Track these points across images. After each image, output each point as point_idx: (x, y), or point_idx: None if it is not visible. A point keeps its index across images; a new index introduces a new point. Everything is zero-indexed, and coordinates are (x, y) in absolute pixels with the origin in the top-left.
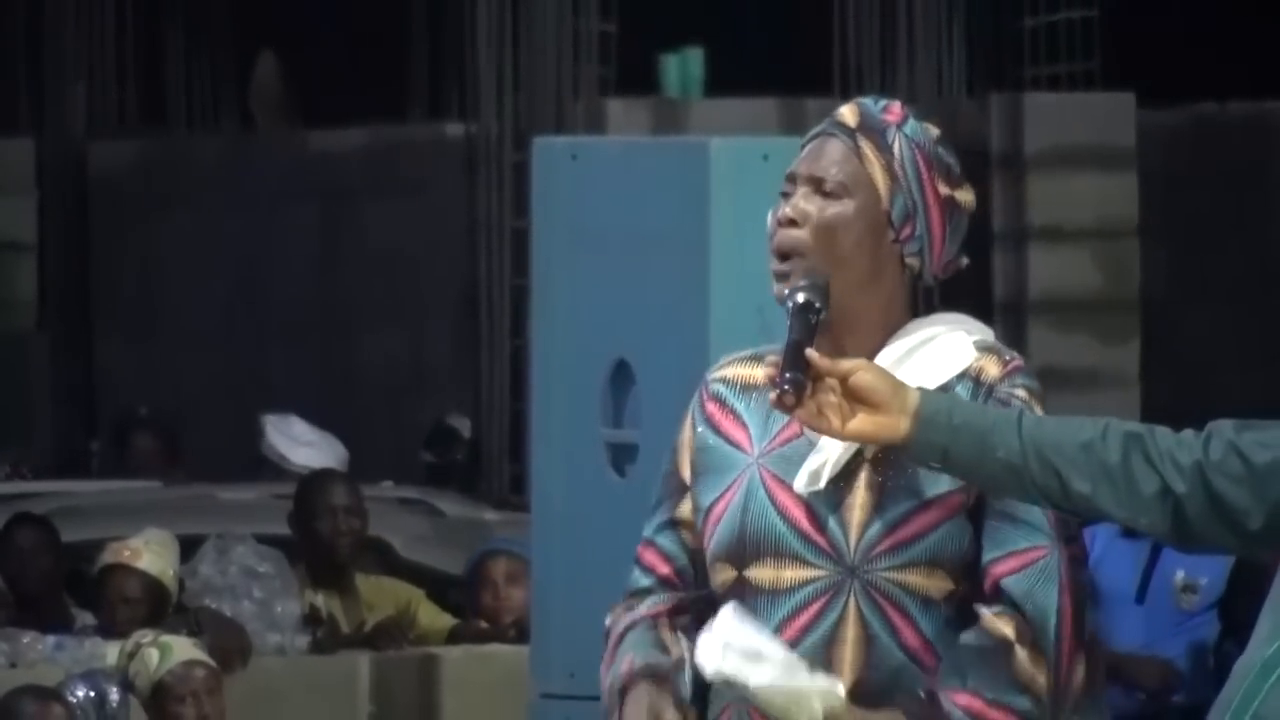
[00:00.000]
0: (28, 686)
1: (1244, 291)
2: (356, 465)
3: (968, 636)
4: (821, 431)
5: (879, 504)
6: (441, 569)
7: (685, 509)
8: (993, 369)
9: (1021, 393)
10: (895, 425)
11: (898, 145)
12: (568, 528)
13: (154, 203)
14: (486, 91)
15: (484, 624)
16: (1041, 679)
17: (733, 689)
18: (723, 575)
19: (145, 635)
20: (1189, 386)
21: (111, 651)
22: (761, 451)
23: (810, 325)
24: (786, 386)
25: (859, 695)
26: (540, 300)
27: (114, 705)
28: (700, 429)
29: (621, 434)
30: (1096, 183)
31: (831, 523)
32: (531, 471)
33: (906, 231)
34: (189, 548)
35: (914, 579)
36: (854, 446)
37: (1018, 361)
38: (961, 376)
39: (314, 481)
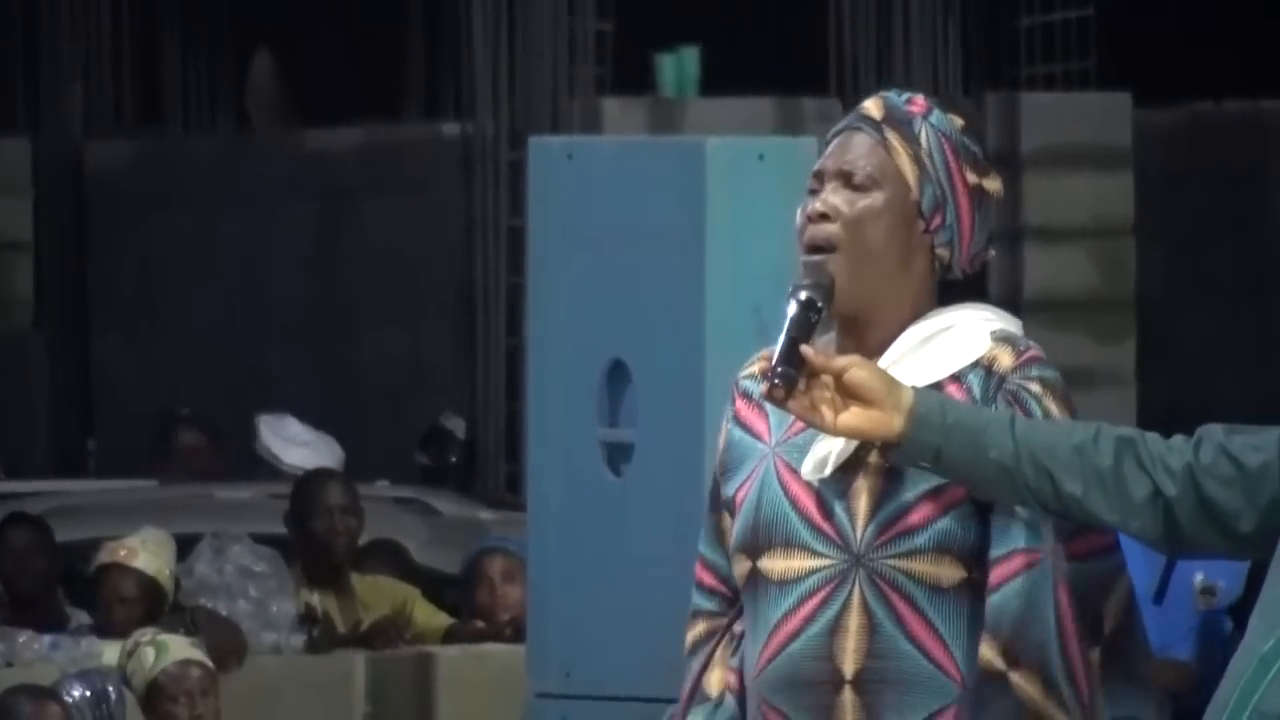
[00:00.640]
0: (24, 686)
1: (1240, 290)
2: (353, 464)
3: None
4: (814, 426)
5: (885, 491)
6: (437, 568)
7: (726, 522)
8: (1006, 359)
9: (1035, 386)
10: (889, 422)
11: (924, 135)
12: (564, 527)
13: (151, 202)
14: (483, 91)
15: (480, 623)
16: (1045, 707)
17: None
18: (740, 567)
19: (144, 634)
20: (1185, 385)
21: (108, 651)
22: (778, 441)
23: (810, 323)
24: (776, 380)
25: (862, 684)
26: (536, 299)
27: (110, 704)
28: (729, 426)
29: (617, 433)
30: (1092, 182)
31: (838, 510)
32: (528, 470)
33: (936, 221)
34: (185, 547)
35: (920, 567)
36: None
37: (1033, 352)
38: (974, 366)
39: (311, 481)
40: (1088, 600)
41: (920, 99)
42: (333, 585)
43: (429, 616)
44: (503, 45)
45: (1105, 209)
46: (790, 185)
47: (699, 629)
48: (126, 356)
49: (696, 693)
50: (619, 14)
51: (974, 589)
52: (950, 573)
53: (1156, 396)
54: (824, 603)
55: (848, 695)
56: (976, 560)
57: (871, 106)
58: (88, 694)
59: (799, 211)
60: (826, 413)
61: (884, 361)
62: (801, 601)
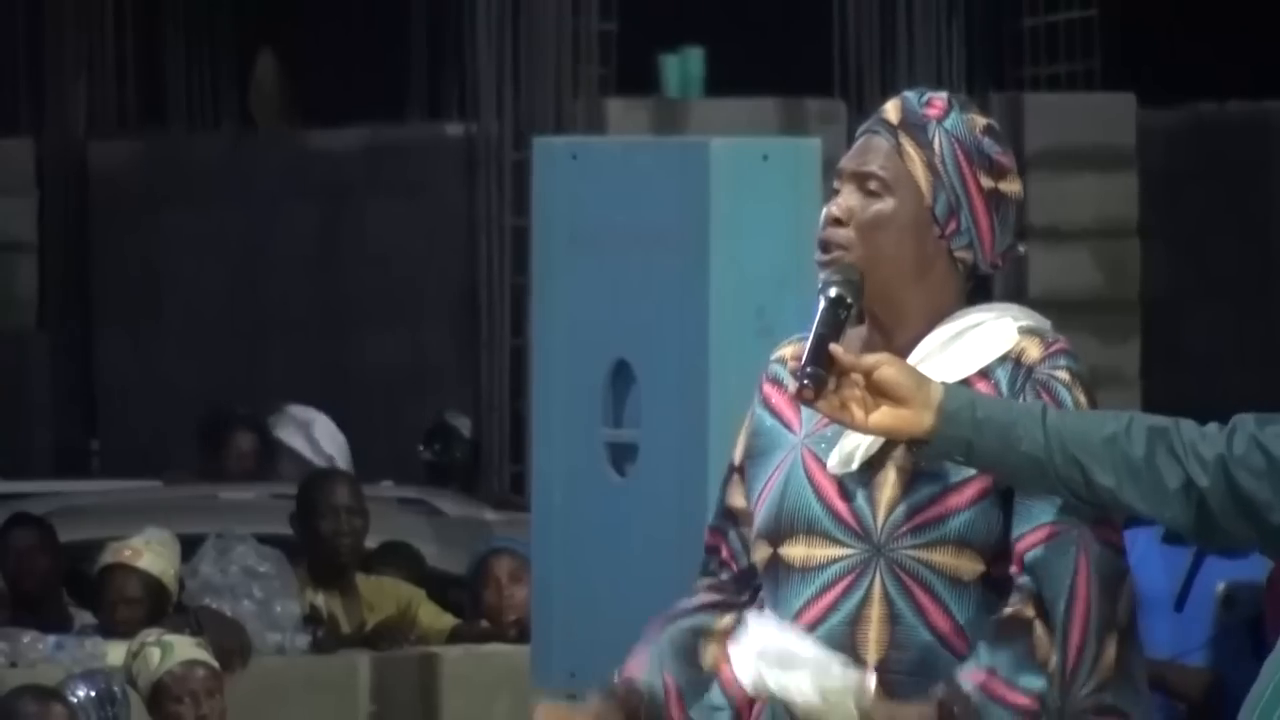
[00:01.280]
0: (28, 686)
1: (1244, 291)
2: (356, 465)
3: (995, 616)
4: (845, 424)
5: (909, 484)
6: (442, 569)
7: (738, 496)
8: (1034, 351)
9: (1063, 374)
10: (918, 420)
11: (937, 141)
12: (568, 527)
13: (154, 202)
14: (486, 91)
15: (486, 622)
16: (1051, 656)
17: (771, 695)
18: (761, 553)
19: (150, 634)
20: (1190, 386)
21: (112, 651)
22: (807, 432)
23: (839, 320)
24: (806, 380)
25: (884, 675)
26: (540, 300)
27: (115, 705)
28: (759, 412)
29: (622, 433)
30: (1096, 182)
31: (861, 501)
32: (532, 471)
33: (952, 227)
34: (189, 547)
35: (941, 558)
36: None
37: (1061, 344)
38: (1003, 360)
39: (316, 481)
40: (1110, 588)
41: (940, 100)
42: (337, 586)
43: (433, 617)
44: (506, 45)
45: (1109, 209)
46: (794, 186)
47: (701, 583)
48: (130, 356)
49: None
50: (623, 14)
51: (993, 583)
52: (970, 566)
53: (1161, 397)
54: (845, 592)
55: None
56: (997, 554)
57: (890, 109)
58: (92, 694)
59: (822, 210)
60: (857, 411)
61: (911, 360)
62: (824, 590)
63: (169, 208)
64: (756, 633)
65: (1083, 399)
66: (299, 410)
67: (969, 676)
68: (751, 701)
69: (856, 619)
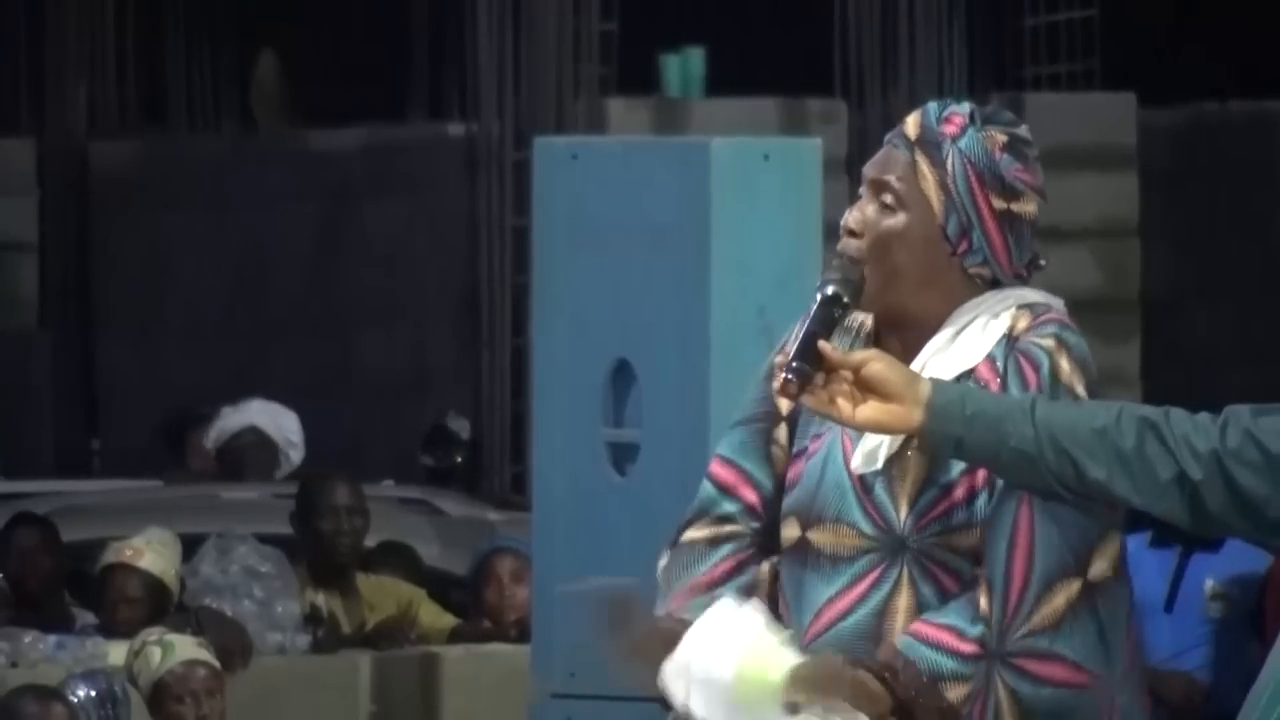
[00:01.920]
0: (29, 686)
1: (1245, 290)
2: (357, 465)
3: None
4: (833, 419)
5: (928, 476)
6: (443, 569)
7: (781, 435)
8: (1022, 323)
9: (1048, 341)
10: (908, 416)
11: (951, 161)
12: (569, 527)
13: (155, 202)
14: (487, 91)
15: (487, 622)
16: (983, 604)
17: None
18: (789, 532)
19: (151, 634)
20: (1190, 385)
21: (113, 651)
22: None
23: (832, 318)
24: (790, 376)
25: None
26: (541, 300)
27: (116, 704)
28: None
29: (622, 433)
30: (1097, 182)
31: (884, 497)
32: (533, 470)
33: (963, 246)
34: (190, 547)
35: (965, 542)
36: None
37: (1052, 314)
38: (1000, 341)
39: (316, 481)
40: (1070, 537)
41: (960, 116)
42: (338, 585)
43: (434, 617)
44: (507, 45)
45: (1110, 209)
46: (795, 185)
47: (726, 529)
48: (131, 356)
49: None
50: (624, 14)
51: None
52: None
53: (1162, 396)
54: (874, 585)
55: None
56: None
57: (911, 123)
58: (93, 694)
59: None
60: (845, 407)
61: (922, 357)
62: (854, 582)
63: (170, 208)
64: (689, 649)
65: (1066, 366)
66: (262, 403)
67: (900, 632)
68: None
69: (884, 611)
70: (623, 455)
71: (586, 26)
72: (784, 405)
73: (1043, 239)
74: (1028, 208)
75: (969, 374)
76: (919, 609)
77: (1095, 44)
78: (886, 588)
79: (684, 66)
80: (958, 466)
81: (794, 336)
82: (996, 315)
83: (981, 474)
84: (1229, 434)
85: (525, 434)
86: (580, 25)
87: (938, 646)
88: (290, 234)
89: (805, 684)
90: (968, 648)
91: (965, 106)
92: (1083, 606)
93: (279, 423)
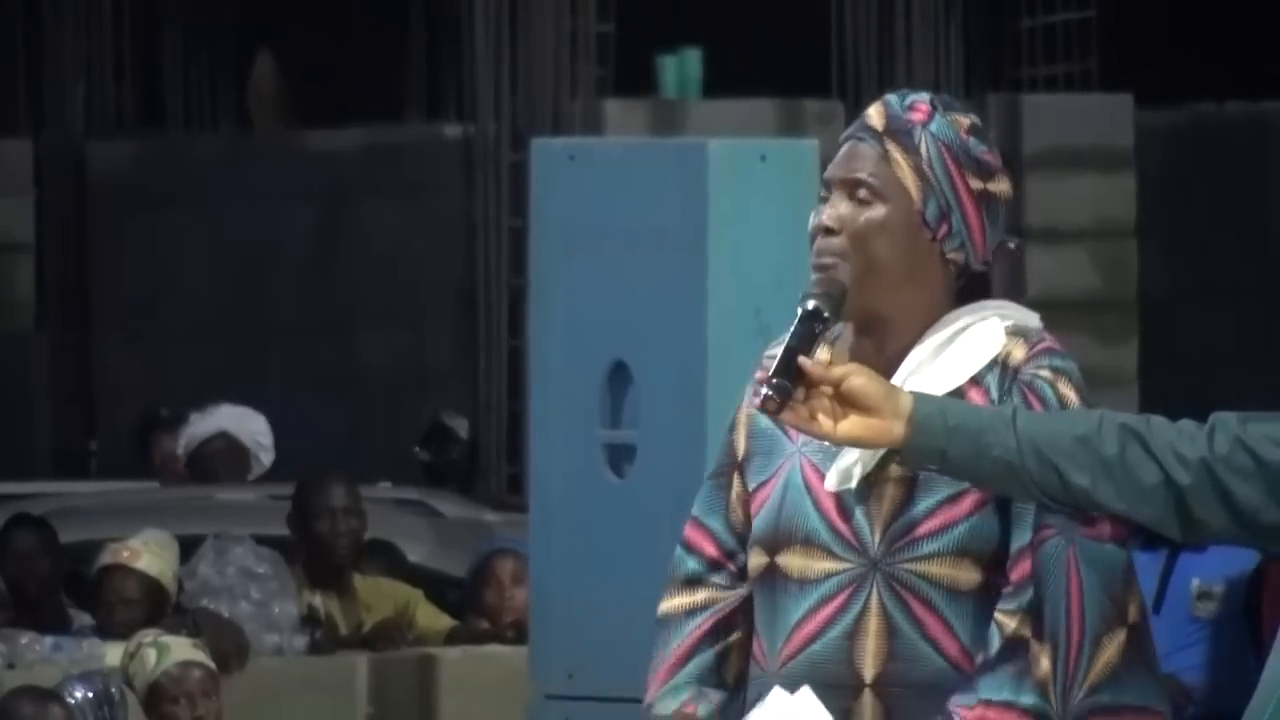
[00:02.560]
0: (26, 687)
1: (1242, 291)
2: (354, 466)
3: (991, 641)
4: (813, 435)
5: (907, 498)
6: (439, 570)
7: (736, 488)
8: (1019, 352)
9: (1046, 373)
10: (889, 429)
11: (925, 145)
12: (566, 528)
13: (152, 203)
14: (484, 92)
15: (486, 623)
16: (1049, 673)
17: None
18: (756, 560)
19: (146, 635)
20: (1187, 386)
21: (110, 652)
22: (805, 440)
23: (813, 333)
24: (770, 393)
25: (881, 688)
26: (538, 301)
27: (113, 706)
28: (753, 411)
29: (619, 434)
30: (1094, 183)
31: (859, 515)
32: (530, 472)
33: (943, 230)
34: (187, 548)
35: (939, 570)
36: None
37: (1047, 343)
38: (992, 365)
39: (313, 482)
40: (1108, 584)
41: (923, 103)
42: (335, 587)
43: (431, 618)
44: (504, 46)
45: (1107, 210)
46: (792, 186)
47: (700, 597)
48: (128, 357)
49: (708, 674)
50: (621, 15)
51: (992, 592)
52: (969, 576)
53: (1159, 397)
54: (843, 606)
55: (867, 698)
56: (995, 563)
57: (874, 114)
58: (90, 695)
59: (811, 217)
60: (825, 422)
61: (903, 371)
62: (822, 603)
63: (167, 208)
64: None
65: (1070, 395)
66: (230, 407)
67: (961, 713)
68: None
69: (854, 633)
70: (620, 456)
71: (583, 27)
72: (740, 449)
73: (1040, 240)
74: (1002, 186)
75: (956, 394)
76: (889, 633)
77: (1092, 45)
78: (856, 609)
79: (681, 67)
80: (936, 493)
81: (764, 366)
82: (984, 336)
83: (961, 504)
84: (1217, 441)
85: (522, 435)
86: (577, 26)
87: None
88: (287, 235)
89: None
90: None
91: (925, 95)
92: (1131, 652)
93: (248, 427)
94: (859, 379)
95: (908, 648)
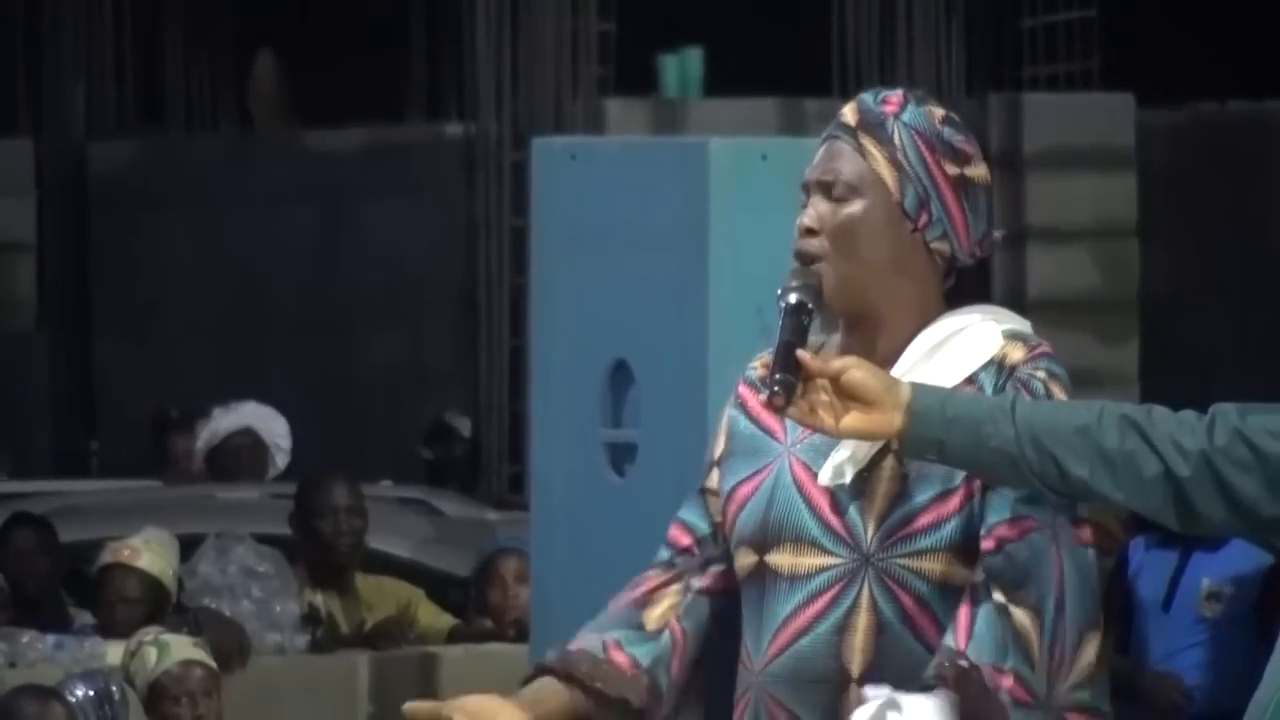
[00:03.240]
0: (27, 686)
1: (1243, 291)
2: (356, 465)
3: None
4: (815, 429)
5: (901, 493)
6: (441, 569)
7: (712, 480)
8: (1017, 354)
9: (1042, 374)
10: (889, 421)
11: (898, 135)
12: (567, 528)
13: (153, 203)
14: (485, 91)
15: (489, 622)
16: (1035, 645)
17: None
18: (745, 560)
19: (147, 634)
20: (1188, 386)
21: (111, 651)
22: (794, 440)
23: (802, 326)
24: (776, 388)
25: (869, 683)
26: (539, 300)
27: (114, 705)
28: (734, 413)
29: (621, 434)
30: (1095, 183)
31: (852, 511)
32: (531, 471)
33: (924, 219)
34: (188, 547)
35: (931, 566)
36: (879, 442)
37: (1044, 348)
38: (987, 366)
39: (315, 482)
40: (1090, 584)
41: (895, 97)
42: (336, 586)
43: (433, 617)
44: (505, 45)
45: (1108, 210)
46: (793, 186)
47: (654, 573)
48: (129, 357)
49: (623, 616)
50: (622, 14)
51: None
52: (961, 572)
53: (1160, 397)
54: (833, 601)
55: (855, 694)
56: None
57: (848, 112)
58: (91, 694)
59: (797, 224)
60: (826, 416)
61: (896, 370)
62: (811, 599)
63: (168, 208)
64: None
65: (1061, 397)
66: (254, 405)
67: (998, 679)
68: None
69: (843, 628)
70: (621, 456)
71: (585, 27)
72: (718, 451)
73: (1041, 239)
74: (979, 171)
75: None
76: (879, 629)
77: (1094, 44)
78: (845, 604)
79: (682, 67)
80: (929, 489)
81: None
82: (980, 337)
83: (953, 500)
84: (1217, 432)
85: (523, 434)
86: (578, 25)
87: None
88: (288, 235)
89: None
90: (1016, 685)
91: (898, 90)
92: (1103, 655)
93: (271, 426)
94: (858, 372)
95: (896, 643)
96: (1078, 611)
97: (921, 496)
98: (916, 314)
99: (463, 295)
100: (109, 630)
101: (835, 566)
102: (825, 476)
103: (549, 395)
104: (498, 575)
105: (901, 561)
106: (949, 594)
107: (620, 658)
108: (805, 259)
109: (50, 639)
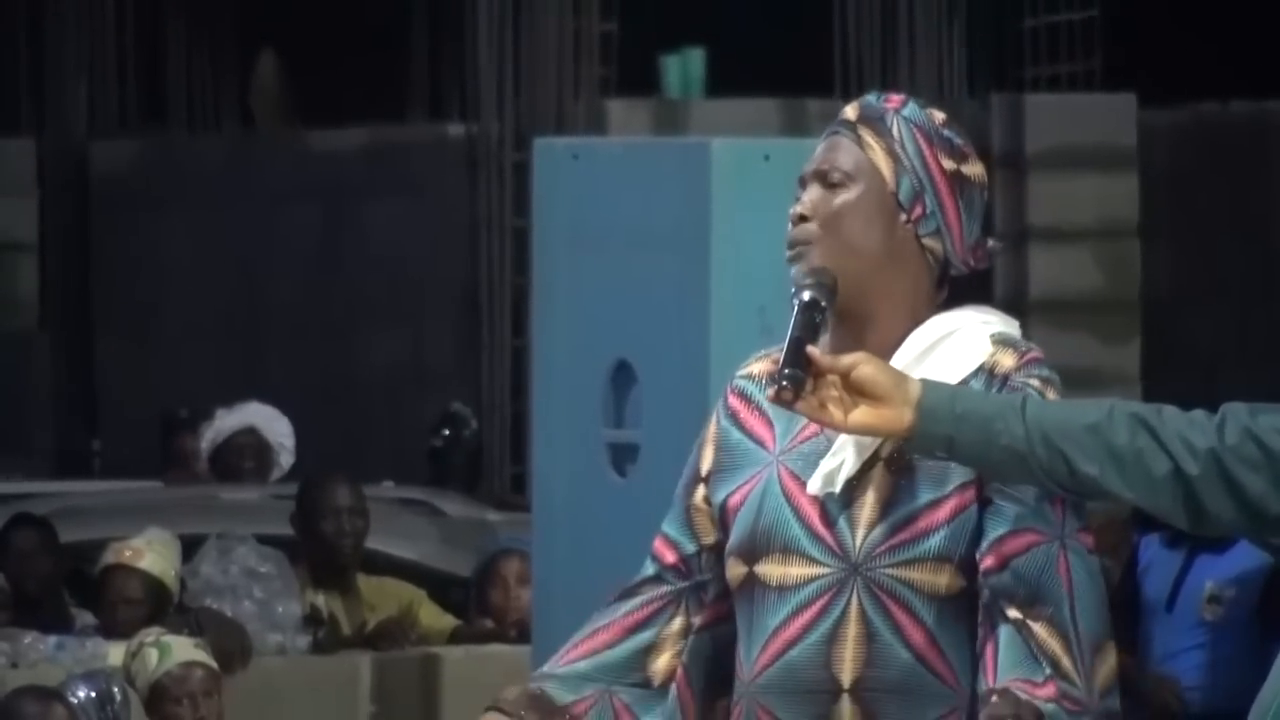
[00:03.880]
0: (29, 687)
1: (1245, 291)
2: (357, 465)
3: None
4: (824, 425)
5: (889, 502)
6: (443, 569)
7: (698, 496)
8: (1008, 361)
9: (1035, 382)
10: (898, 417)
11: (896, 127)
12: (569, 528)
13: (155, 203)
14: (487, 92)
15: (490, 622)
16: (1062, 653)
17: None
18: (735, 570)
19: (148, 635)
20: (1190, 386)
21: (113, 652)
22: (783, 449)
23: (814, 323)
24: (785, 382)
25: (860, 693)
26: (541, 300)
27: (115, 705)
28: (724, 424)
29: (622, 434)
30: (1097, 183)
31: (841, 521)
32: (533, 472)
33: (917, 211)
34: (190, 548)
35: (920, 575)
36: (869, 450)
37: (1034, 353)
38: (977, 372)
39: (317, 482)
40: (1099, 592)
41: (897, 97)
42: (338, 586)
43: (434, 618)
44: (507, 46)
45: (1110, 210)
46: (795, 186)
47: (641, 589)
48: (131, 357)
49: (627, 659)
50: (624, 15)
51: (973, 598)
52: (950, 581)
53: (1162, 397)
54: (822, 611)
55: (846, 704)
56: (977, 568)
57: (849, 110)
58: (93, 695)
59: (790, 213)
60: (835, 412)
61: None
62: (800, 609)
63: (170, 208)
64: None
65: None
66: (258, 405)
67: (1034, 692)
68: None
69: (833, 638)
70: (623, 456)
71: (586, 27)
72: (705, 464)
73: (1043, 239)
74: (975, 170)
75: None
76: (869, 639)
77: (1096, 45)
78: (835, 614)
79: (684, 67)
80: (919, 498)
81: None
82: (969, 342)
83: (943, 509)
84: (1227, 431)
85: (525, 435)
86: (580, 26)
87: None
88: (290, 234)
89: None
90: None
91: (900, 94)
92: (1116, 663)
93: (275, 427)
94: (868, 368)
95: (886, 652)
96: (1093, 621)
97: (910, 506)
98: (907, 313)
99: (464, 295)
100: (111, 631)
101: (824, 576)
102: (814, 486)
103: (551, 396)
104: (499, 576)
105: (890, 571)
106: (939, 603)
107: None
108: (796, 245)
109: (52, 640)
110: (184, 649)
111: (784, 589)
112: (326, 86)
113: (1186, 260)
